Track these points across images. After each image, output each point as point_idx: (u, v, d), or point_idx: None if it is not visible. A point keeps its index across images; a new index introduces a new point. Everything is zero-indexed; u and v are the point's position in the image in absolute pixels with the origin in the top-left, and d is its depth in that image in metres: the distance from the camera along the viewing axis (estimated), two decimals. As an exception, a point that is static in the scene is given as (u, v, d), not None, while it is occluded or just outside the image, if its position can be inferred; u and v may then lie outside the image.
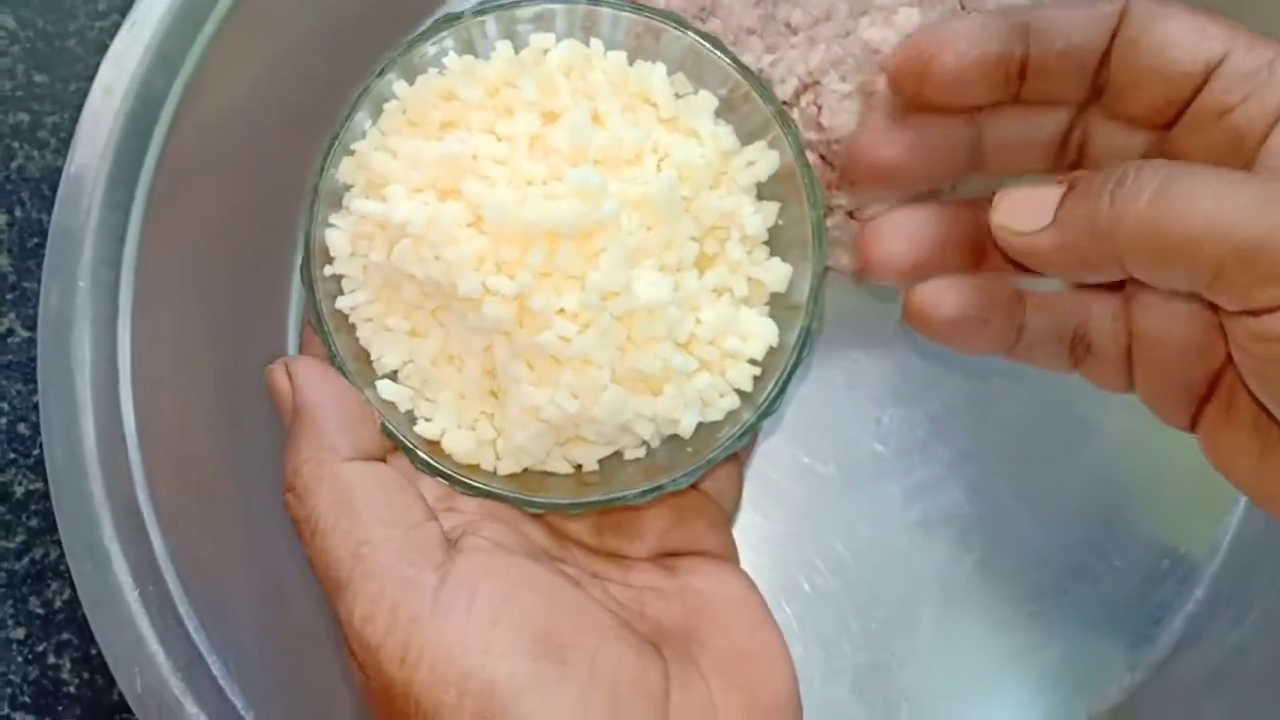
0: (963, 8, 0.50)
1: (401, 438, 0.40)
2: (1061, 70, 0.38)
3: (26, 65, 0.58)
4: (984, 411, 0.55)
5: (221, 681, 0.45)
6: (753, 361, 0.41)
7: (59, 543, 0.54)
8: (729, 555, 0.44)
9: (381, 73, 0.41)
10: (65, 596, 0.55)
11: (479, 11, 0.41)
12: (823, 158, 0.51)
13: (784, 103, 0.48)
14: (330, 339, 0.40)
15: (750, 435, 0.40)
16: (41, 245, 0.57)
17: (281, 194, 0.54)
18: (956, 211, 0.42)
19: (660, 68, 0.42)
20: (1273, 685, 0.51)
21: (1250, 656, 0.52)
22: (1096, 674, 0.54)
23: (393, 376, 0.41)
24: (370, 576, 0.35)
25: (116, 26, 0.49)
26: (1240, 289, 0.32)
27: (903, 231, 0.40)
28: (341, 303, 0.40)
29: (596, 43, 0.41)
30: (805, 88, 0.49)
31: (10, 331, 0.57)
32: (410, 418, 0.40)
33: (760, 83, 0.42)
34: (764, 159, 0.42)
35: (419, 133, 0.40)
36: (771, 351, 0.41)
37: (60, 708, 0.54)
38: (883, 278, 0.41)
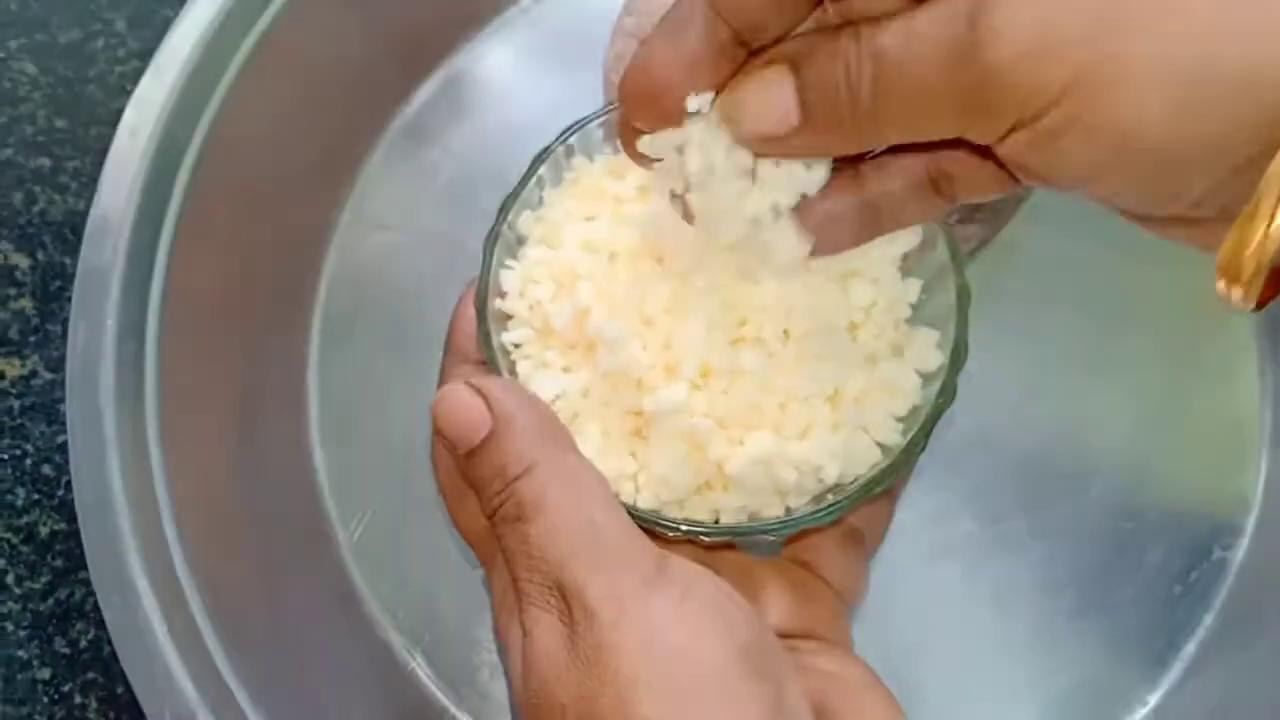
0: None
1: None
2: None
3: (48, 110, 0.59)
4: (996, 443, 0.56)
5: (250, 715, 0.45)
6: (897, 418, 0.42)
7: (85, 582, 0.55)
8: (848, 646, 0.44)
9: (563, 138, 0.44)
10: (90, 636, 0.55)
11: None
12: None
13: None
14: (497, 363, 0.42)
15: (893, 478, 0.41)
16: (63, 288, 0.58)
17: (302, 231, 0.55)
18: None
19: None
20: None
21: (1263, 679, 0.52)
22: (1111, 701, 0.54)
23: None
24: (598, 549, 0.36)
25: (136, 72, 0.50)
26: (978, 134, 0.33)
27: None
28: (506, 337, 0.43)
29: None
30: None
31: (34, 373, 0.57)
32: None
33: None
34: (907, 234, 0.43)
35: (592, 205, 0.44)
36: (914, 408, 0.42)
37: (86, 747, 0.54)
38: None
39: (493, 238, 0.43)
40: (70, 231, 0.58)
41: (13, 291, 0.58)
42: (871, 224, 0.39)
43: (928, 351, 0.42)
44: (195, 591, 0.46)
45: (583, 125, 0.45)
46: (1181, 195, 0.32)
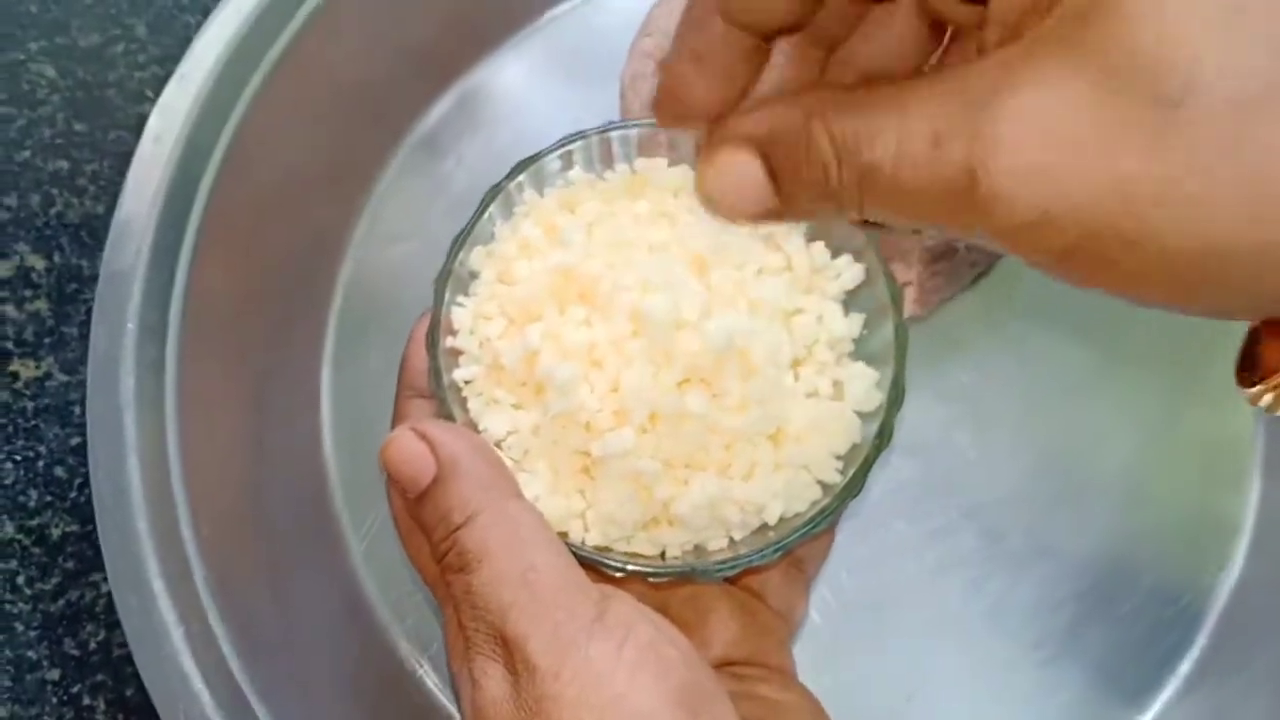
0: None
1: None
2: None
3: (66, 114, 0.60)
4: (996, 463, 0.57)
5: (261, 718, 0.46)
6: (836, 456, 0.43)
7: (95, 585, 0.55)
8: (790, 671, 0.45)
9: (512, 175, 0.45)
10: (100, 638, 0.55)
11: (602, 130, 0.45)
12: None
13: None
14: (447, 403, 0.42)
15: (830, 520, 0.42)
16: (80, 290, 0.58)
17: (319, 240, 0.56)
18: None
19: None
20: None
21: (1256, 699, 0.53)
22: (1110, 716, 0.55)
23: (498, 447, 0.42)
24: (537, 599, 0.36)
25: (156, 78, 0.51)
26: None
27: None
28: (458, 373, 0.43)
29: None
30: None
31: (48, 375, 0.58)
32: None
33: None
34: (850, 271, 0.44)
35: (544, 237, 0.44)
36: (853, 446, 0.43)
37: (94, 748, 0.55)
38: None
39: (444, 275, 0.43)
40: (88, 234, 0.59)
41: (29, 293, 0.58)
42: None
43: (867, 391, 0.43)
44: (209, 595, 0.47)
45: (534, 161, 0.45)
46: (1219, 309, 0.30)
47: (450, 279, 0.43)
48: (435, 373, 0.42)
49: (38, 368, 0.58)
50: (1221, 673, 0.55)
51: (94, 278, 0.49)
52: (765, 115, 0.33)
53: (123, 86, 0.60)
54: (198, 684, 0.45)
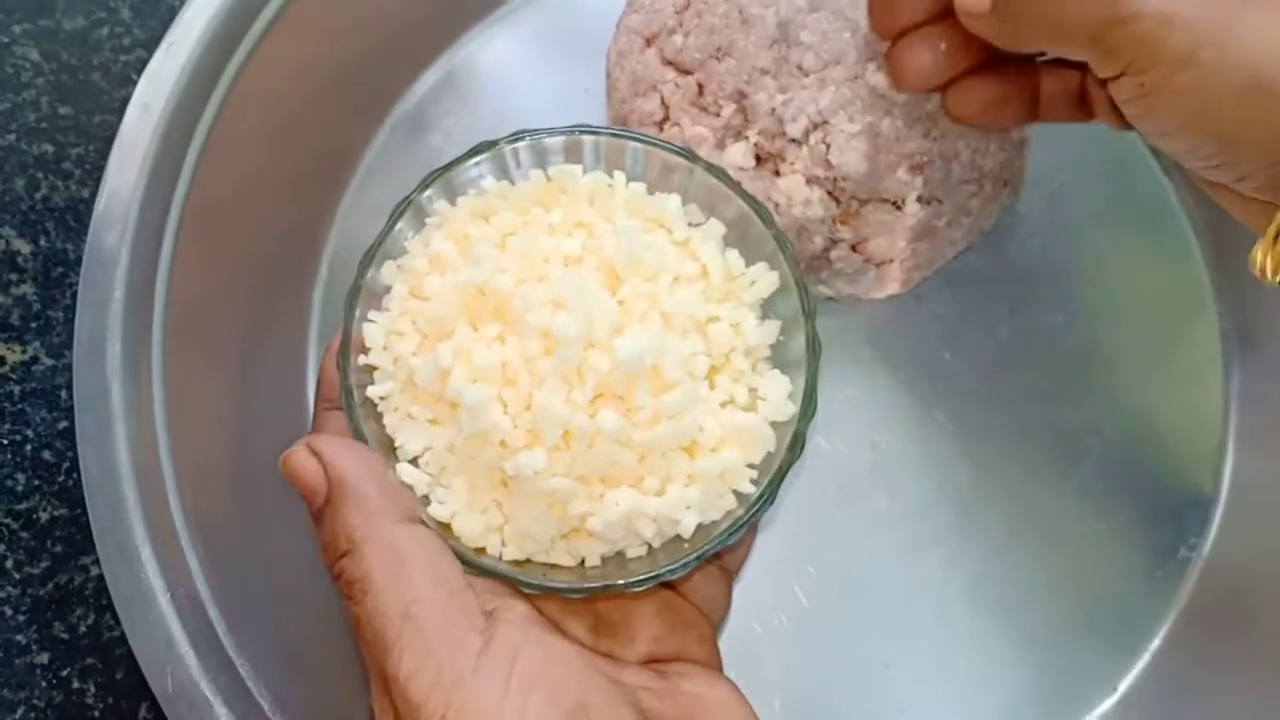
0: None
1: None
2: None
3: (51, 98, 0.60)
4: (975, 441, 0.57)
5: (249, 683, 0.45)
6: (750, 465, 0.43)
7: (84, 568, 0.55)
8: (716, 665, 0.45)
9: (423, 187, 0.44)
10: (90, 622, 0.55)
11: (513, 139, 0.45)
12: (829, 193, 0.52)
13: (793, 140, 0.52)
14: (358, 423, 0.42)
15: (744, 530, 0.42)
16: (65, 275, 0.58)
17: (305, 214, 0.56)
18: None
19: (675, 198, 0.46)
20: (1246, 695, 0.54)
21: (1227, 675, 0.55)
22: (1083, 687, 0.56)
23: (414, 462, 0.42)
24: (419, 634, 0.36)
25: (141, 61, 0.50)
26: (1096, 64, 0.42)
27: (930, 42, 0.47)
28: (372, 390, 0.43)
29: (619, 174, 0.46)
30: (815, 127, 0.52)
31: (35, 359, 0.57)
32: (426, 500, 0.42)
33: (762, 208, 0.45)
34: (765, 279, 0.45)
35: (456, 249, 0.43)
36: (767, 455, 0.43)
37: (84, 732, 0.54)
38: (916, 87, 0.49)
39: (354, 291, 0.43)
40: (73, 218, 0.59)
41: (14, 277, 0.58)
42: (1030, 111, 0.49)
43: (782, 401, 0.43)
44: (196, 561, 0.46)
45: (445, 171, 0.45)
46: (1235, 170, 0.41)
47: (361, 294, 0.43)
48: (346, 391, 0.42)
49: (24, 352, 0.58)
50: (1193, 648, 0.56)
51: (80, 262, 0.48)
52: None
53: (108, 70, 0.60)
54: (184, 647, 0.44)
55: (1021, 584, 0.56)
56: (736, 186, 0.45)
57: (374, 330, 0.43)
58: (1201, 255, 0.61)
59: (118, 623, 0.53)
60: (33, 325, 0.58)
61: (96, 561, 0.55)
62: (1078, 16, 0.41)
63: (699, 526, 0.42)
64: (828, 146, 0.52)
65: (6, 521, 0.56)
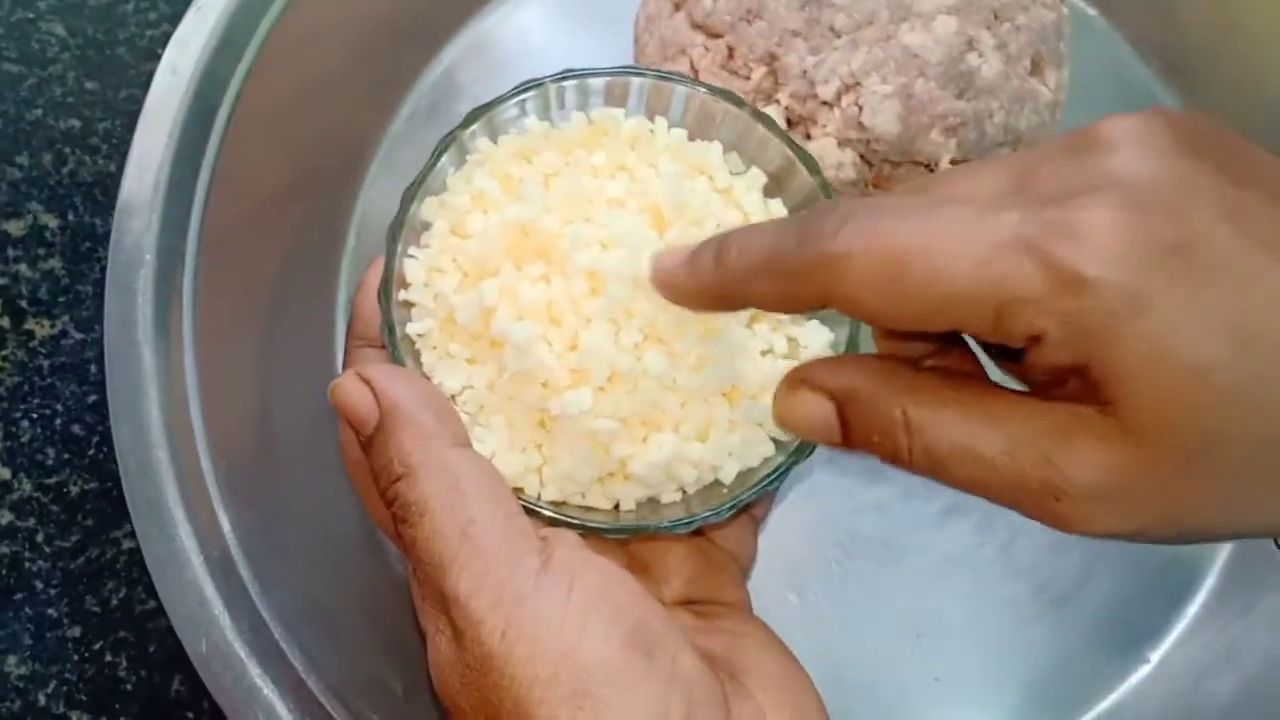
0: (996, 18, 0.52)
1: None
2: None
3: (77, 72, 0.60)
4: None
5: (282, 644, 0.45)
6: None
7: (115, 541, 0.55)
8: (748, 608, 0.45)
9: (466, 124, 0.44)
10: (121, 595, 0.55)
11: (559, 78, 0.45)
12: (862, 156, 0.52)
13: (824, 102, 0.51)
14: (400, 358, 0.42)
15: (782, 479, 0.42)
16: (93, 249, 0.58)
17: (332, 180, 0.56)
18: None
19: (716, 145, 0.46)
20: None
21: (1262, 639, 0.54)
22: (1116, 655, 0.55)
23: (452, 400, 0.42)
24: (478, 554, 0.36)
25: (167, 36, 0.50)
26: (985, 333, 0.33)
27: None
28: (411, 328, 0.42)
29: (661, 120, 0.46)
30: (847, 89, 0.51)
31: (63, 334, 0.57)
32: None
33: (808, 157, 0.45)
34: None
35: (499, 187, 0.43)
36: None
37: (117, 705, 0.54)
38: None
39: (396, 225, 0.42)
40: (100, 193, 0.59)
41: (42, 252, 0.58)
42: None
43: (822, 350, 0.43)
44: (229, 523, 0.46)
45: (489, 109, 0.44)
46: None
47: (403, 230, 0.42)
48: (388, 326, 0.41)
49: (53, 326, 0.57)
50: (1229, 613, 0.55)
51: (108, 236, 0.48)
52: (848, 373, 0.36)
53: (133, 44, 0.60)
54: (218, 609, 0.44)
55: (1054, 549, 0.55)
56: (782, 133, 0.45)
57: (414, 266, 0.42)
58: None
59: (150, 596, 0.54)
60: (61, 300, 0.58)
61: (128, 535, 0.55)
62: (1006, 502, 0.35)
63: (736, 477, 0.42)
64: (860, 108, 0.51)
65: (37, 495, 0.56)
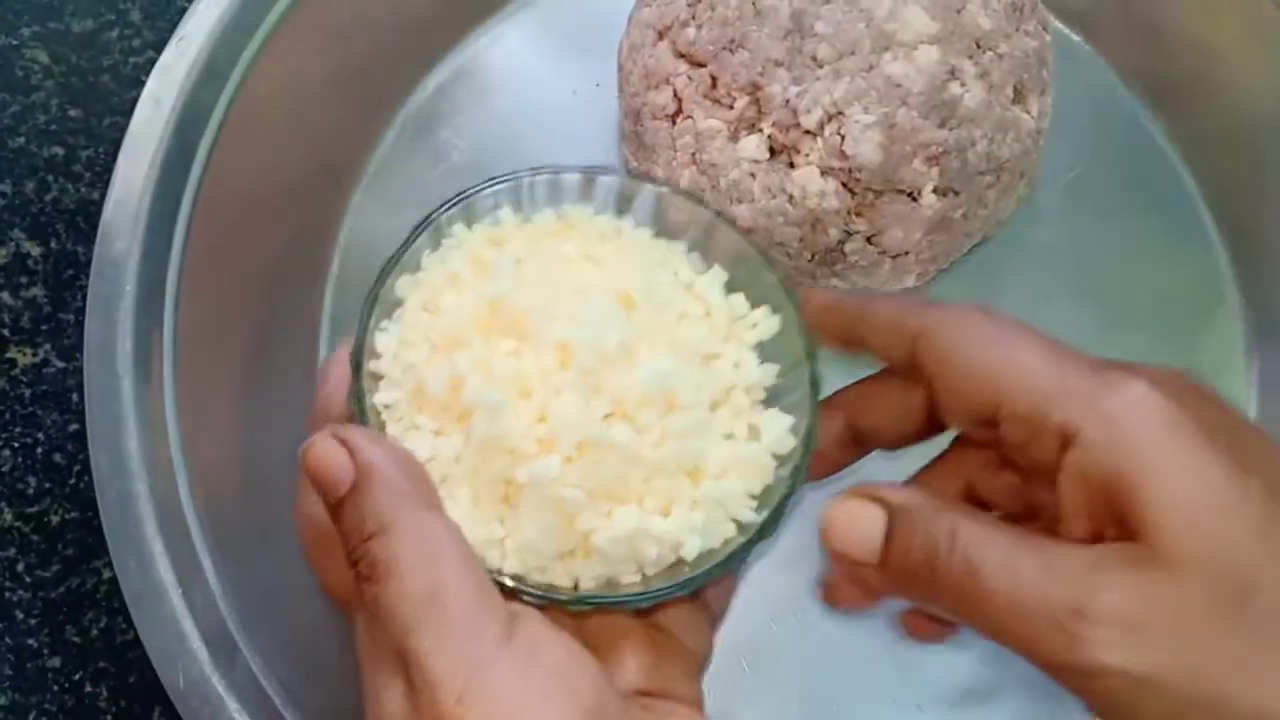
0: (978, 46, 0.52)
1: None
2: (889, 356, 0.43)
3: (61, 100, 0.59)
4: None
5: (261, 679, 0.45)
6: (751, 495, 0.43)
7: (95, 571, 0.54)
8: (700, 706, 0.44)
9: (445, 208, 0.45)
10: (102, 625, 0.54)
11: (533, 172, 0.46)
12: (844, 185, 0.52)
13: (807, 131, 0.51)
14: (367, 425, 0.42)
15: (744, 559, 0.42)
16: (76, 277, 0.58)
17: (316, 208, 0.56)
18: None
19: (680, 244, 0.47)
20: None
21: None
22: None
23: None
24: (444, 615, 0.36)
25: (150, 63, 0.50)
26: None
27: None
28: (378, 398, 0.42)
29: (628, 219, 0.47)
30: (830, 118, 0.51)
31: (45, 362, 0.57)
32: None
33: (766, 256, 0.46)
34: (766, 322, 0.46)
35: (472, 271, 0.44)
36: (767, 488, 0.44)
37: (97, 736, 0.54)
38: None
39: (371, 299, 0.43)
40: (83, 220, 0.59)
41: (25, 280, 0.58)
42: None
43: (782, 436, 0.44)
44: (208, 557, 0.46)
45: (467, 196, 0.45)
46: None
47: (377, 304, 0.43)
48: (358, 394, 0.42)
49: (34, 354, 0.57)
50: None
51: (90, 265, 0.48)
52: (905, 492, 0.40)
53: (117, 72, 0.60)
54: (196, 643, 0.44)
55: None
56: (743, 234, 0.47)
57: (385, 338, 0.43)
58: (1221, 244, 0.60)
59: (130, 626, 0.53)
60: (43, 328, 0.57)
61: (108, 565, 0.54)
62: (1031, 646, 0.36)
63: (696, 557, 0.42)
64: (842, 137, 0.51)
65: (18, 525, 0.55)
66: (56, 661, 0.54)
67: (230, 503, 0.48)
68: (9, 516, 0.55)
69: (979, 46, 0.53)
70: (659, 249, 0.47)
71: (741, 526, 0.43)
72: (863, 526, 0.39)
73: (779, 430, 0.44)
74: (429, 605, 0.36)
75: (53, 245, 0.58)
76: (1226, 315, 0.60)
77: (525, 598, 0.40)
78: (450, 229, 0.45)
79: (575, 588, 0.42)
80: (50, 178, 0.59)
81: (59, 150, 0.59)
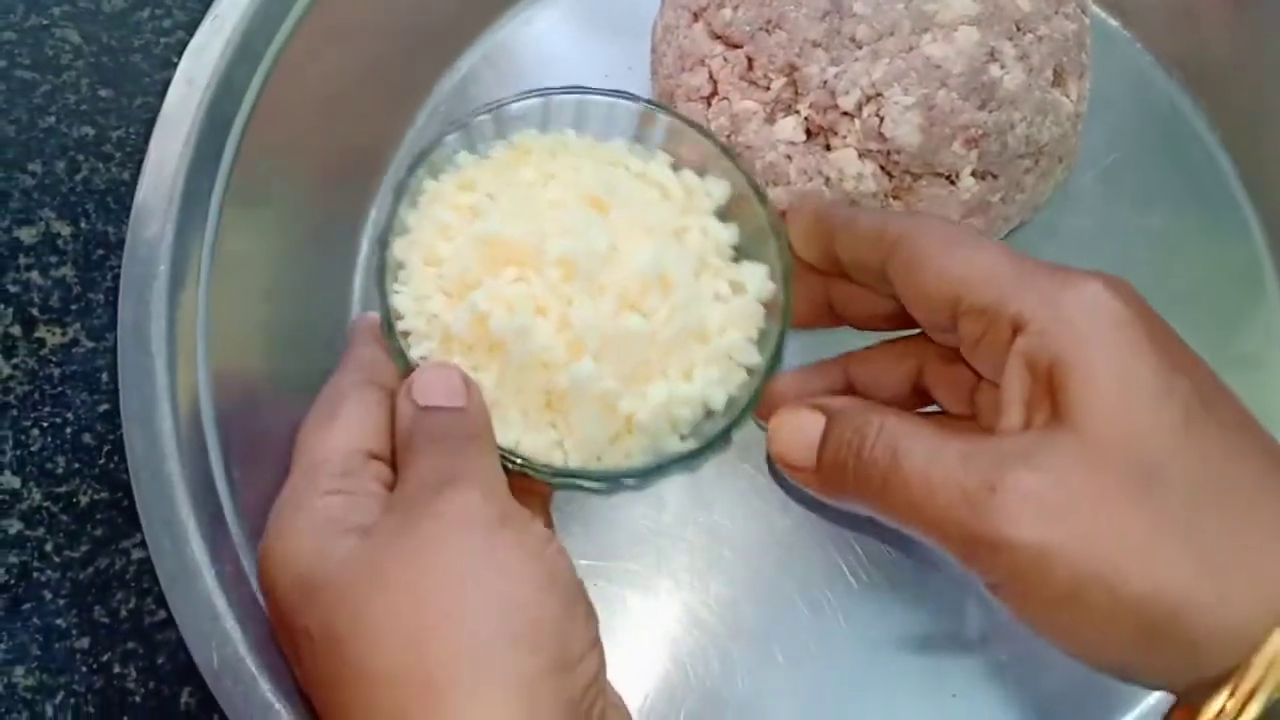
0: (1018, 29, 0.52)
1: None
2: (860, 267, 0.47)
3: (91, 80, 0.59)
4: None
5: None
6: (751, 341, 0.49)
7: (125, 552, 0.54)
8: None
9: (410, 170, 0.48)
10: (131, 605, 0.54)
11: (478, 112, 0.50)
12: (882, 168, 0.51)
13: (845, 113, 0.51)
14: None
15: (759, 398, 0.47)
16: (106, 257, 0.58)
17: (349, 191, 0.55)
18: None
19: (622, 141, 0.52)
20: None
21: None
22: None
23: None
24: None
25: (181, 43, 0.50)
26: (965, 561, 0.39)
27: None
28: (413, 353, 0.46)
29: (571, 131, 0.51)
30: (868, 99, 0.51)
31: (75, 342, 0.57)
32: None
33: (708, 130, 0.52)
34: (718, 186, 0.51)
35: (455, 216, 0.48)
36: (762, 331, 0.49)
37: (125, 717, 0.53)
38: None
39: (380, 269, 0.46)
40: (113, 200, 0.58)
41: (54, 260, 0.58)
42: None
43: (763, 282, 0.49)
44: (242, 535, 0.46)
45: (427, 154, 0.48)
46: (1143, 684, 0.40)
47: (386, 272, 0.46)
48: (399, 354, 0.45)
49: (64, 334, 0.57)
50: None
51: (120, 244, 0.48)
52: (846, 399, 0.47)
53: (148, 52, 0.60)
54: (229, 622, 0.44)
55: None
56: (675, 112, 0.52)
57: (402, 299, 0.46)
58: (1260, 233, 0.60)
59: (159, 607, 0.54)
60: (73, 308, 0.57)
61: (137, 545, 0.54)
62: (943, 525, 0.39)
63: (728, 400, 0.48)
64: (881, 119, 0.51)
65: (46, 505, 0.55)
66: (85, 642, 0.54)
67: (265, 483, 0.47)
68: (38, 496, 0.55)
69: (1019, 29, 0.52)
70: (605, 150, 0.51)
71: (750, 370, 0.48)
72: (804, 429, 0.44)
73: (759, 278, 0.49)
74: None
75: (83, 225, 0.58)
76: (1266, 304, 0.59)
77: (594, 480, 0.46)
78: (422, 186, 0.48)
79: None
80: (80, 157, 0.59)
81: (89, 130, 0.59)
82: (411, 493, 0.40)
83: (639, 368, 0.46)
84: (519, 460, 0.44)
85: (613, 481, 0.46)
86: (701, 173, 0.51)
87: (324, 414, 0.43)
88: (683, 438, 0.48)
